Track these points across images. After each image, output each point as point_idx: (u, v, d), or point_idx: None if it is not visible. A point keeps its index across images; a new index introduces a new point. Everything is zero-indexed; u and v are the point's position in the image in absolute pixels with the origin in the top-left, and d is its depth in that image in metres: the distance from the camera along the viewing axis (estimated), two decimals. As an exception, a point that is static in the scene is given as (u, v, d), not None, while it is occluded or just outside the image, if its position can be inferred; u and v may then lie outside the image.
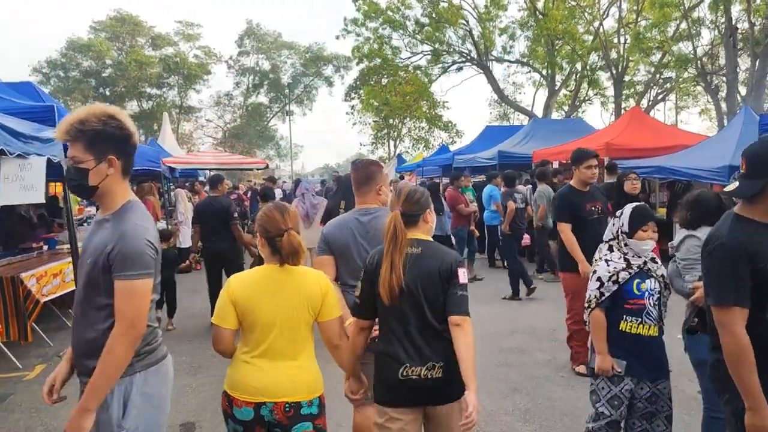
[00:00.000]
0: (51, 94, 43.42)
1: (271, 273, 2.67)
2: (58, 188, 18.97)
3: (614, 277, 3.47)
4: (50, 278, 6.73)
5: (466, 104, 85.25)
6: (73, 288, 7.79)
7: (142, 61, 43.41)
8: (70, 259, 7.45)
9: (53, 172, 5.83)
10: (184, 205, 12.67)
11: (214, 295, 7.62)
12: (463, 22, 32.77)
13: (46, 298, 6.50)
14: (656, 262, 3.57)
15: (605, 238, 3.70)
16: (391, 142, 46.05)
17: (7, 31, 73.90)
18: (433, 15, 32.14)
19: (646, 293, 3.46)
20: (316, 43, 50.64)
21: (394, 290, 2.63)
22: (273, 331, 2.59)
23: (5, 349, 6.13)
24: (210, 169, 16.96)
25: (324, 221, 8.00)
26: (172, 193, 14.25)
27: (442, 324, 2.63)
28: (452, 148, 27.93)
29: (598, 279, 3.52)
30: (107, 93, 45.09)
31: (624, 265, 3.49)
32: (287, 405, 2.57)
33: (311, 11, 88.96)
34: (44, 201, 5.88)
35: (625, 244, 3.53)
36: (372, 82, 38.51)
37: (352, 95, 45.66)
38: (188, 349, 6.72)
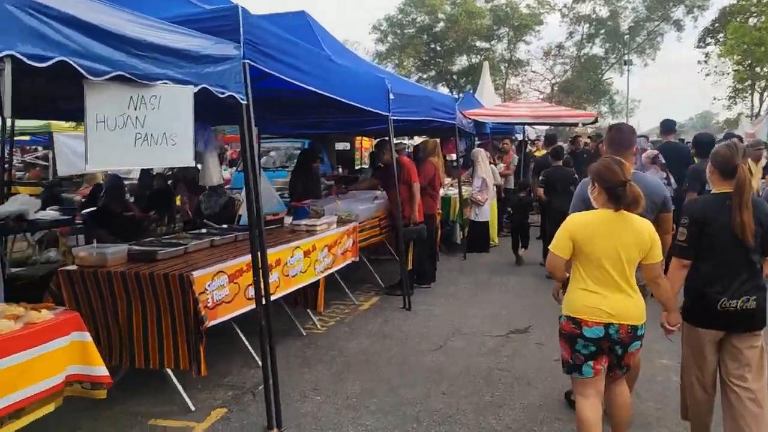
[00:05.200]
0: (387, 51, 45.65)
1: (608, 217, 3.10)
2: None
3: None
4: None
5: None
6: (299, 285, 5.72)
7: (473, 12, 42.08)
8: (296, 244, 5.33)
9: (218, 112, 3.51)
10: (483, 167, 9.98)
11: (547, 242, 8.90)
12: None
13: (234, 313, 4.39)
14: None
15: None
16: (755, 95, 37.66)
17: None
18: None
19: None
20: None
21: (746, 235, 3.14)
22: (608, 266, 3.06)
23: (175, 381, 4.17)
24: (525, 124, 13.98)
25: None
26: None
27: (759, 264, 3.29)
28: None
29: None
30: (438, 48, 45.24)
31: None
32: (630, 327, 3.08)
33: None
34: (192, 164, 3.59)
35: None
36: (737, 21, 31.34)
37: (707, 41, 38.50)
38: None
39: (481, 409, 4.21)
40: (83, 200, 10.03)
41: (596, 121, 15.10)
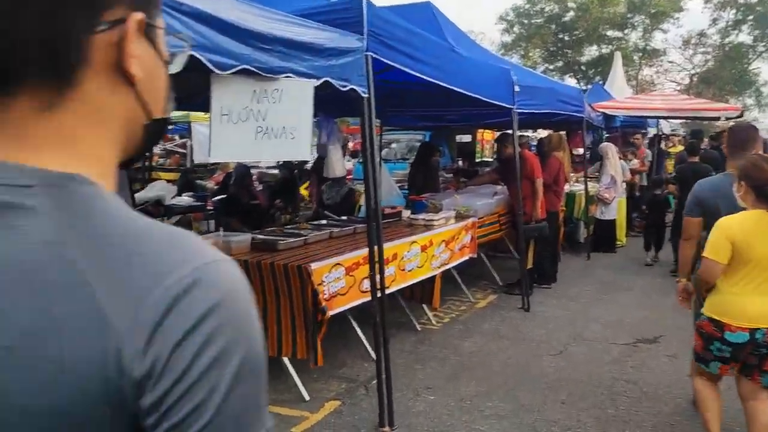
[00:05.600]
0: (512, 42, 44.77)
1: (762, 217, 2.97)
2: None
3: None
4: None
5: None
6: (415, 279, 5.64)
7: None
8: (413, 238, 5.28)
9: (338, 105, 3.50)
10: (612, 164, 9.43)
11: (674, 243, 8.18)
12: None
13: (349, 305, 4.38)
14: None
15: None
16: None
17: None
18: None
19: None
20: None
21: None
22: (761, 267, 2.96)
23: (291, 370, 4.24)
24: (659, 117, 13.09)
25: None
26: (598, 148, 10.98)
27: None
28: None
29: None
30: (566, 38, 43.62)
31: None
32: None
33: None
34: (309, 158, 3.59)
35: None
36: None
37: None
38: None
39: (604, 423, 3.95)
40: (216, 187, 10.54)
41: (741, 115, 13.81)
